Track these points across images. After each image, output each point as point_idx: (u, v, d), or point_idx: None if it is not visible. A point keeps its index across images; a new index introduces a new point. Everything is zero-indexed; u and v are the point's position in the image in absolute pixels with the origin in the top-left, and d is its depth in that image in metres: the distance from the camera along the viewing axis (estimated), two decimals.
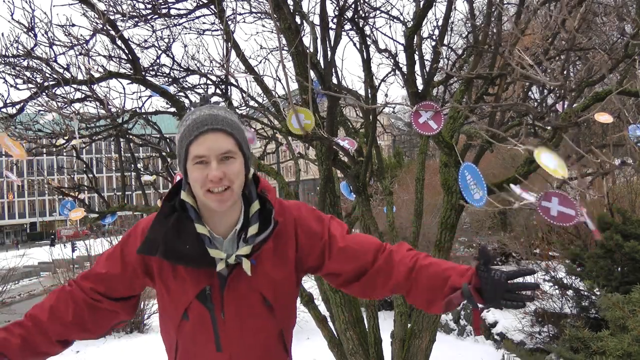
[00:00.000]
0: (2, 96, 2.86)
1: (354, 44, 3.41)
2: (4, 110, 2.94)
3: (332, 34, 2.71)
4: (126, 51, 2.89)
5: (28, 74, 2.91)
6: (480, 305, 1.23)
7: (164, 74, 3.74)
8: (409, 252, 1.41)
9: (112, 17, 2.92)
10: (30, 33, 2.69)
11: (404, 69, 2.66)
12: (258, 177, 1.42)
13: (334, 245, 1.41)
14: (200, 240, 1.30)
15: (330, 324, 3.84)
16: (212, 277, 1.32)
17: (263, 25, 4.88)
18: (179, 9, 3.70)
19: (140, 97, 3.57)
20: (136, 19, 3.38)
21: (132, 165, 4.31)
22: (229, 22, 3.34)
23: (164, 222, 1.32)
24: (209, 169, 1.25)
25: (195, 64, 3.99)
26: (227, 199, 1.27)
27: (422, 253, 1.41)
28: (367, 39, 3.20)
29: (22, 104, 2.93)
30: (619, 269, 4.73)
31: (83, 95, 3.20)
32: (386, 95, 4.75)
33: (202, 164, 1.26)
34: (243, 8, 4.33)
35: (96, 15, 2.73)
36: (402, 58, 2.98)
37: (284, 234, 1.39)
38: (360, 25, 3.05)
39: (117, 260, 1.39)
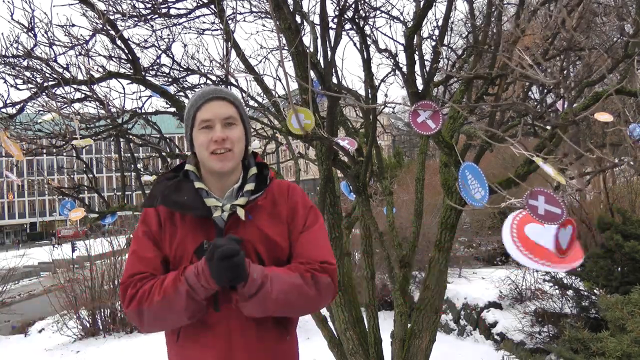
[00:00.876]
0: (2, 96, 2.86)
1: (354, 44, 3.41)
2: (4, 110, 2.94)
3: (332, 33, 2.70)
4: (126, 51, 2.89)
5: (28, 74, 2.90)
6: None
7: (164, 74, 3.73)
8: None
9: (112, 17, 2.92)
10: (30, 33, 2.68)
11: (404, 69, 2.66)
12: (256, 153, 1.55)
13: (299, 235, 1.46)
14: (198, 194, 1.41)
15: (330, 324, 3.84)
16: (210, 232, 1.39)
17: (263, 25, 4.86)
18: (178, 9, 3.70)
19: (140, 97, 3.57)
20: (136, 19, 3.37)
21: (132, 165, 4.31)
22: (229, 22, 3.34)
23: (165, 182, 1.45)
24: (213, 132, 1.39)
25: (195, 64, 3.98)
26: (228, 159, 1.40)
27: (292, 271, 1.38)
28: (367, 39, 3.20)
29: (22, 104, 2.93)
30: (619, 269, 4.73)
31: (83, 95, 3.20)
32: (386, 95, 4.74)
33: (207, 129, 1.40)
34: (243, 7, 4.33)
35: (96, 15, 2.73)
36: (402, 58, 2.98)
37: (279, 199, 1.48)
38: (361, 25, 3.05)
39: (145, 240, 1.43)
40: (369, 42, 3.23)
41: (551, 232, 1.38)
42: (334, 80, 3.01)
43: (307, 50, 3.35)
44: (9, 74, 2.92)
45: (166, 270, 1.41)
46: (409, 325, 3.56)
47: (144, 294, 1.34)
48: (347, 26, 3.15)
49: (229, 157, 1.39)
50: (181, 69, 3.80)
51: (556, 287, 5.74)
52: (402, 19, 3.55)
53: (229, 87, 3.81)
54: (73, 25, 2.87)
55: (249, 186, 1.43)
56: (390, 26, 7.47)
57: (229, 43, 3.07)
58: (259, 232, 1.41)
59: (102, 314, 10.23)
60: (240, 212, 1.38)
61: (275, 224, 1.44)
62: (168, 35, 3.76)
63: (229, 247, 1.24)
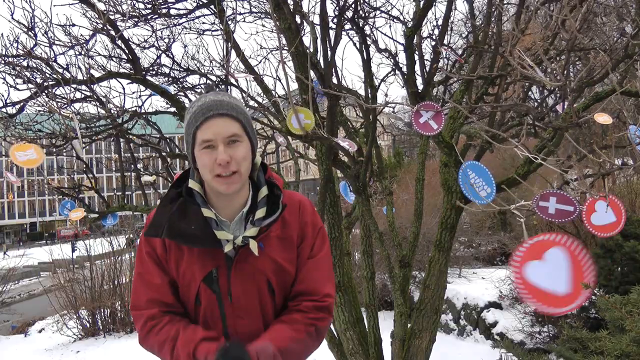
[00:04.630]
0: (2, 96, 2.86)
1: (354, 44, 3.41)
2: (4, 110, 2.94)
3: (332, 33, 2.70)
4: (126, 51, 2.89)
5: (28, 74, 2.90)
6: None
7: (164, 74, 3.73)
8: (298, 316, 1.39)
9: (112, 17, 2.91)
10: (30, 33, 2.68)
11: (404, 68, 2.66)
12: (266, 165, 1.45)
13: (305, 260, 1.43)
14: (207, 223, 1.33)
15: (330, 323, 3.84)
16: (219, 260, 1.34)
17: (263, 25, 4.87)
18: (179, 9, 3.70)
19: (140, 97, 3.57)
20: (136, 19, 3.37)
21: (132, 165, 4.31)
22: (229, 22, 3.34)
23: (169, 206, 1.35)
24: (216, 153, 1.28)
25: (195, 64, 3.99)
26: (235, 181, 1.30)
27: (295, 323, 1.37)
28: (367, 38, 3.20)
29: (22, 104, 2.93)
30: (619, 268, 4.73)
31: (83, 96, 3.20)
32: (386, 95, 4.75)
33: (210, 149, 1.28)
34: (243, 8, 4.33)
35: (96, 15, 2.73)
36: (402, 58, 2.99)
37: (290, 219, 1.41)
38: (360, 25, 3.05)
39: (150, 263, 1.38)
40: (369, 42, 3.23)
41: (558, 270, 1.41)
42: (334, 80, 3.01)
43: (307, 50, 3.35)
44: (9, 74, 2.92)
45: (175, 293, 1.39)
46: (409, 325, 3.56)
47: (154, 344, 1.34)
48: (347, 26, 3.16)
49: (235, 179, 1.29)
50: (181, 69, 3.80)
51: None
52: (402, 19, 3.55)
53: (229, 87, 3.81)
54: (73, 25, 2.87)
55: (260, 212, 1.35)
56: (390, 26, 7.47)
57: (229, 43, 3.07)
58: (271, 262, 1.36)
59: (102, 314, 10.23)
60: (253, 246, 1.31)
61: (285, 250, 1.39)
62: (168, 35, 3.77)
63: None
